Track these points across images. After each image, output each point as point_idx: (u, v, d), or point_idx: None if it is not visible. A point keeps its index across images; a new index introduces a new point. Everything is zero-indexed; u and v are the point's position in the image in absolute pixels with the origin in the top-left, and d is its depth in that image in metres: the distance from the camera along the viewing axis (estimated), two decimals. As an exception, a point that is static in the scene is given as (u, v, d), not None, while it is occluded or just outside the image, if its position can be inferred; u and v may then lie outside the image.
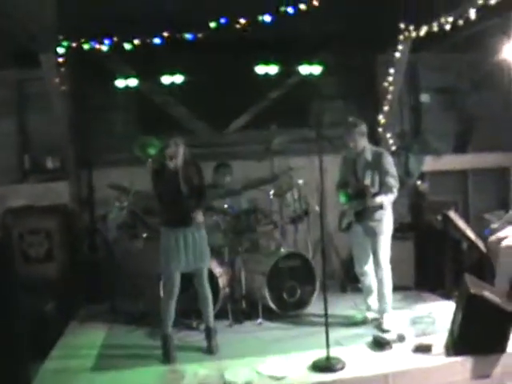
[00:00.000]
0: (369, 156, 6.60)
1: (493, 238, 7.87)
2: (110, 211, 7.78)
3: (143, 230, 7.64)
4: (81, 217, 8.94)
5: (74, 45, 7.99)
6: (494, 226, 8.17)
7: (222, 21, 7.61)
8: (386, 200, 6.50)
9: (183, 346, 6.34)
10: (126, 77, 8.64)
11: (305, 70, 9.03)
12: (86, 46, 7.99)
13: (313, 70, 9.04)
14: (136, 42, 7.85)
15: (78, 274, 8.37)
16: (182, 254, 6.03)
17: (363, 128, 6.64)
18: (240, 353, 6.05)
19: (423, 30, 8.01)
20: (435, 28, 7.78)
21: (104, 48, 7.97)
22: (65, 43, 7.95)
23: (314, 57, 9.06)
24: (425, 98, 9.80)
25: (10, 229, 7.94)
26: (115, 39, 7.89)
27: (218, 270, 7.11)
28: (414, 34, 8.27)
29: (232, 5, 7.42)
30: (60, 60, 8.03)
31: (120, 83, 8.65)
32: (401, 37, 8.51)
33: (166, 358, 5.99)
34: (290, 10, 7.54)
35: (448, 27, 7.51)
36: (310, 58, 9.01)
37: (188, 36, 7.83)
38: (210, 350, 6.18)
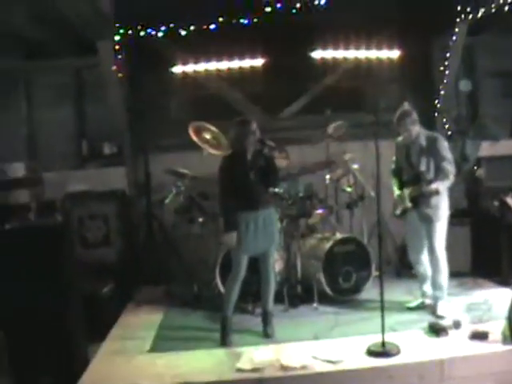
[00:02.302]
0: (423, 141, 6.52)
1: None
2: (166, 196, 7.89)
3: (199, 215, 7.74)
4: (138, 202, 9.08)
5: (130, 32, 8.07)
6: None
7: (278, 5, 7.60)
8: (442, 186, 6.42)
9: (239, 330, 6.39)
10: (181, 63, 8.67)
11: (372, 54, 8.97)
12: (142, 33, 8.07)
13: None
14: (191, 28, 7.89)
15: (135, 257, 8.53)
16: (252, 239, 6.07)
17: (414, 116, 6.54)
18: (296, 337, 6.08)
19: (480, 12, 7.89)
20: (493, 9, 7.66)
21: (160, 34, 8.04)
22: (121, 30, 8.04)
23: (370, 41, 8.99)
24: (464, 85, 9.62)
25: (70, 214, 8.10)
26: (171, 26, 7.94)
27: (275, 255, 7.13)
28: (471, 17, 8.14)
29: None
30: (117, 47, 8.13)
31: (177, 69, 8.69)
32: (457, 19, 8.38)
33: (224, 340, 6.06)
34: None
35: (506, 8, 7.39)
36: (366, 43, 8.94)
37: (243, 21, 7.85)
38: (266, 334, 6.23)
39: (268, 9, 7.62)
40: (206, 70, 8.77)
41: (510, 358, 5.40)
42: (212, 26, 7.86)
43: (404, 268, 8.24)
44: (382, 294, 5.73)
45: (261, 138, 6.12)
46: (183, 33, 7.92)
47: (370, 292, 7.22)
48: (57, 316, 5.64)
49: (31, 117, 9.22)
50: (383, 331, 5.53)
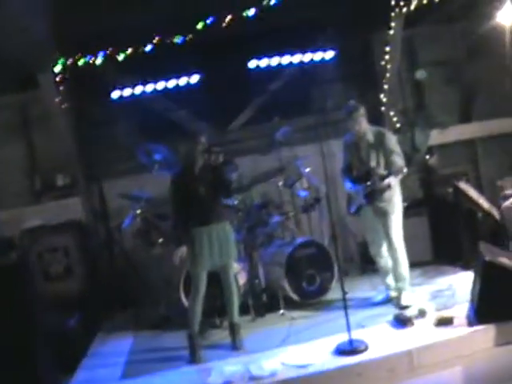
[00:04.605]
0: (370, 137, 6.59)
1: (506, 203, 7.84)
2: (123, 221, 7.86)
3: (158, 236, 7.72)
4: (96, 229, 9.03)
5: (69, 62, 8.05)
6: (508, 192, 8.15)
7: (208, 21, 7.64)
8: (394, 180, 6.46)
9: (208, 345, 6.42)
10: (123, 87, 8.67)
11: (308, 57, 9.03)
12: (80, 62, 8.05)
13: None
14: (128, 51, 7.90)
15: (100, 286, 8.48)
16: (208, 254, 6.07)
17: (363, 110, 6.63)
18: (264, 345, 6.08)
19: (413, 5, 8.02)
20: (425, 1, 7.78)
21: (98, 61, 8.02)
22: (61, 61, 8.01)
23: (309, 43, 9.07)
24: (420, 74, 9.75)
25: (28, 249, 8.03)
26: (108, 51, 7.94)
27: (235, 267, 7.12)
28: (404, 10, 8.26)
29: (216, 3, 7.43)
30: (58, 78, 8.10)
31: (115, 94, 8.67)
32: (392, 14, 8.48)
33: (193, 357, 6.05)
34: (273, 1, 7.53)
35: (437, -1, 7.54)
36: (307, 45, 9.01)
37: (177, 40, 7.87)
38: (234, 346, 6.23)
39: (199, 25, 7.65)
40: (150, 92, 8.75)
41: (475, 339, 5.47)
42: (148, 48, 7.88)
43: (367, 264, 8.29)
44: (343, 292, 5.79)
45: (207, 147, 6.15)
46: (121, 57, 7.92)
47: (335, 292, 7.26)
48: (23, 354, 5.59)
49: (-21, 156, 9.12)
50: (349, 329, 5.57)
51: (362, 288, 7.56)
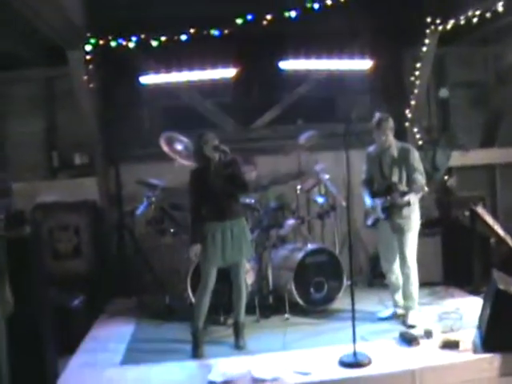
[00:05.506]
0: (395, 152, 6.55)
1: (520, 232, 7.81)
2: (137, 207, 7.84)
3: (171, 226, 7.71)
4: (109, 212, 9.00)
5: (101, 42, 8.02)
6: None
7: (249, 17, 7.62)
8: (415, 198, 6.41)
9: (211, 341, 6.37)
10: (152, 73, 8.62)
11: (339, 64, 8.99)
12: (113, 44, 8.02)
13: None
14: (163, 38, 7.87)
15: (107, 269, 8.47)
16: (220, 250, 6.06)
17: (392, 123, 6.60)
18: (267, 348, 6.06)
19: (450, 24, 7.97)
20: (462, 21, 7.74)
21: (131, 45, 7.99)
22: (92, 40, 7.97)
23: (343, 51, 9.03)
24: (443, 92, 9.70)
25: (40, 225, 8.00)
26: (142, 36, 7.91)
27: (246, 266, 7.08)
28: (440, 28, 8.22)
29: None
30: (87, 57, 8.06)
31: (148, 79, 8.63)
32: (427, 31, 8.44)
33: (195, 352, 6.03)
34: (316, 5, 7.50)
35: (475, 20, 7.47)
36: (340, 53, 8.97)
37: (214, 32, 7.84)
38: (237, 345, 6.21)
39: (239, 20, 7.62)
40: (178, 81, 8.70)
41: (480, 366, 5.43)
42: (183, 37, 7.85)
43: (376, 277, 8.27)
44: (352, 304, 5.73)
45: (216, 145, 6.11)
46: (154, 43, 7.89)
47: (341, 302, 7.24)
48: (26, 329, 5.56)
49: (1, 127, 9.10)
50: (354, 341, 5.54)
51: (368, 301, 7.49)
